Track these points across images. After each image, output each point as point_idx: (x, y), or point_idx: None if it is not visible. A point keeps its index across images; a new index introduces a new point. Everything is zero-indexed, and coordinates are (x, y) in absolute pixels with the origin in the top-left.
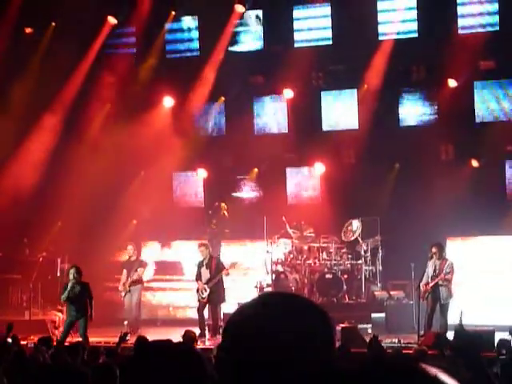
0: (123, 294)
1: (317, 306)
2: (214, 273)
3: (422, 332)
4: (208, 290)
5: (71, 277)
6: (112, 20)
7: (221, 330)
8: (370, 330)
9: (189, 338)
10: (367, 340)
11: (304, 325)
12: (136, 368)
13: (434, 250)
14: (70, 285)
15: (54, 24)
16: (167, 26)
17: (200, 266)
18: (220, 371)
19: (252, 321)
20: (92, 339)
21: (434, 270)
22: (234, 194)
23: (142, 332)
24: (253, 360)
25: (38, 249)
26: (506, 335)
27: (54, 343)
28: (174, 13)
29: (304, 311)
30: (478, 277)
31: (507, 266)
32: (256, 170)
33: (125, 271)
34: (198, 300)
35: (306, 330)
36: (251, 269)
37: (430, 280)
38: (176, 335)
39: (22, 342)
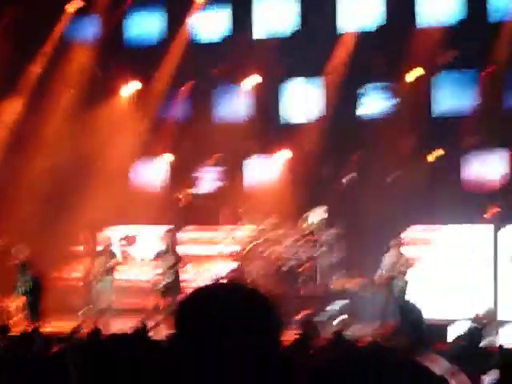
0: (94, 283)
1: (257, 292)
2: (171, 263)
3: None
4: (166, 281)
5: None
6: (72, 7)
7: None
8: (335, 322)
9: (142, 328)
10: (322, 332)
11: (244, 309)
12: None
13: (393, 242)
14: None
15: (12, 10)
16: (128, 12)
17: (158, 255)
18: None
19: (194, 306)
20: (46, 329)
21: (392, 263)
22: (194, 182)
23: (97, 322)
24: (197, 345)
25: None
26: (459, 329)
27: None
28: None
29: (244, 296)
30: (438, 266)
31: (465, 254)
32: (215, 158)
33: (97, 260)
34: (155, 290)
35: (245, 313)
36: (208, 260)
37: (385, 272)
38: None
39: None
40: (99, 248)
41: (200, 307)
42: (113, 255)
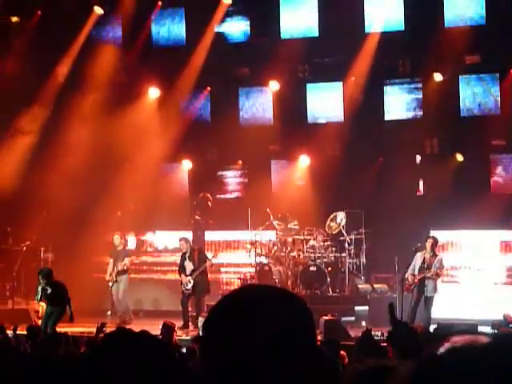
0: (110, 284)
1: (294, 295)
2: (197, 264)
3: None
4: (192, 282)
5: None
6: (98, 10)
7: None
8: (364, 323)
9: (167, 329)
10: (352, 333)
11: (282, 314)
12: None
13: (429, 242)
14: (39, 288)
15: (39, 13)
16: (154, 15)
17: (183, 258)
18: (203, 363)
19: (229, 312)
20: (75, 329)
21: (423, 263)
22: (219, 186)
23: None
24: (232, 352)
25: (21, 238)
26: (488, 330)
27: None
28: (160, 3)
29: (282, 300)
30: (462, 270)
31: (490, 259)
32: (240, 161)
33: (111, 261)
34: (182, 292)
35: (284, 318)
36: (235, 260)
37: (416, 272)
38: (157, 327)
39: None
40: (117, 248)
41: (237, 315)
42: (126, 255)
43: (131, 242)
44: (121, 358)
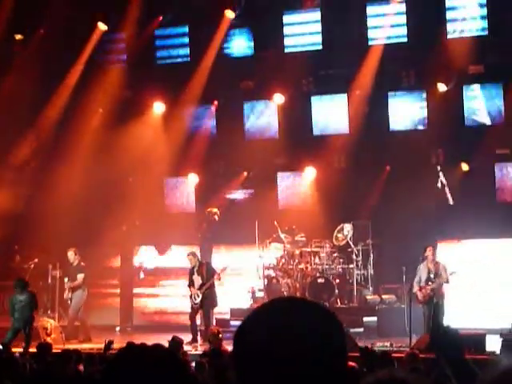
0: (69, 302)
1: (325, 308)
2: (205, 278)
3: (414, 336)
4: (200, 296)
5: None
6: (102, 26)
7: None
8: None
9: (175, 343)
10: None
11: (315, 327)
12: (115, 372)
13: (428, 251)
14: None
15: (42, 31)
16: (157, 31)
17: (191, 272)
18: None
19: (261, 327)
20: (84, 346)
21: (429, 273)
22: (225, 199)
23: (133, 338)
24: (265, 369)
25: (29, 256)
26: (496, 338)
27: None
28: (163, 18)
29: (313, 313)
30: (468, 280)
31: (497, 268)
32: (245, 173)
33: (66, 279)
34: (191, 306)
35: (317, 332)
36: (243, 274)
37: (424, 283)
38: (166, 341)
39: (17, 350)
40: (73, 264)
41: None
42: (80, 272)
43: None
44: (133, 375)
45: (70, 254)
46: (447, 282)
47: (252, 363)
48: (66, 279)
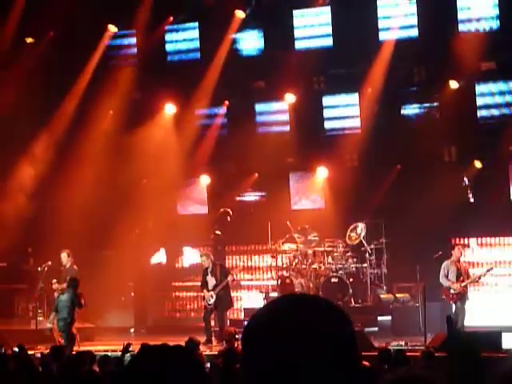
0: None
1: (333, 305)
2: (219, 279)
3: (429, 335)
4: (214, 297)
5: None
6: (112, 28)
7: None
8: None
9: (193, 343)
10: (375, 344)
11: (324, 325)
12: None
13: (458, 250)
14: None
15: (52, 34)
16: (168, 31)
17: (205, 273)
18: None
19: (266, 325)
20: (99, 347)
21: (459, 270)
22: (238, 200)
23: (146, 340)
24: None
25: (42, 258)
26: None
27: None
28: (173, 19)
29: (321, 310)
30: (484, 278)
31: (509, 266)
32: (256, 174)
33: (54, 280)
34: (205, 307)
35: (326, 330)
36: (256, 274)
37: (457, 281)
38: (181, 342)
39: (30, 352)
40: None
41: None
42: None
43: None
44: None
45: (64, 256)
46: (479, 279)
47: (255, 355)
48: (54, 280)
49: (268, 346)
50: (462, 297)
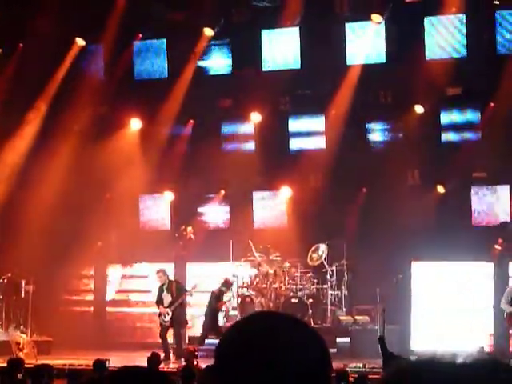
0: None
1: (305, 323)
2: (175, 296)
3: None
4: (170, 314)
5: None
6: (80, 41)
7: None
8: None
9: (154, 360)
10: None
11: (297, 340)
12: None
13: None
14: None
15: (21, 45)
16: (136, 48)
17: (160, 290)
18: None
19: (239, 340)
20: (55, 362)
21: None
22: (201, 218)
23: (106, 355)
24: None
25: (2, 270)
26: None
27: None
28: (142, 35)
29: (294, 328)
30: (442, 302)
31: (470, 291)
32: (223, 192)
33: None
34: (160, 324)
35: (301, 346)
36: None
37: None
38: (142, 358)
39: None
40: None
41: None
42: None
43: (116, 273)
44: None
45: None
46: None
47: (230, 371)
48: None
49: (242, 367)
50: None
